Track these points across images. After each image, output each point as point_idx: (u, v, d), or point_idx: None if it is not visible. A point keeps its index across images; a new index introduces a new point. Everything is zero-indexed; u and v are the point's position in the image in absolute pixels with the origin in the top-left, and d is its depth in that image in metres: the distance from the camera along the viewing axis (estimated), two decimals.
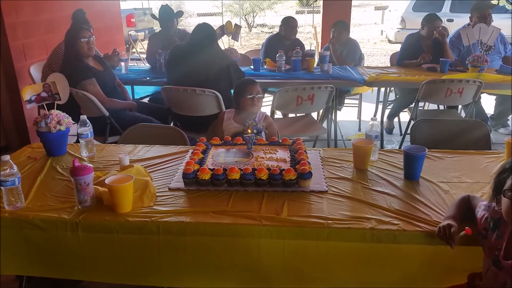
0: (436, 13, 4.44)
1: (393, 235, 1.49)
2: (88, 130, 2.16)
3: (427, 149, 1.86)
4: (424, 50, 4.34)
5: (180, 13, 4.78)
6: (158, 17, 4.59)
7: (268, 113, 3.00)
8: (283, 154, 2.01)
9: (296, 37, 4.76)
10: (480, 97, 3.96)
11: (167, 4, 4.65)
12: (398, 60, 4.52)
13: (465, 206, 1.55)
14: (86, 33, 3.27)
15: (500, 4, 11.20)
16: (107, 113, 3.23)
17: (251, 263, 1.59)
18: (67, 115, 2.21)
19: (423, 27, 4.37)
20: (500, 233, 1.31)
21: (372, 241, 1.49)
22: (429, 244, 1.49)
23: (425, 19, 4.36)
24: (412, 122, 3.34)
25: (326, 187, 1.79)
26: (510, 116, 4.73)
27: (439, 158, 2.12)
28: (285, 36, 4.63)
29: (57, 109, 2.22)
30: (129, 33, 9.20)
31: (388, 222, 1.53)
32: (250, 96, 2.46)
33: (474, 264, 1.44)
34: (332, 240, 1.50)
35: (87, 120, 2.16)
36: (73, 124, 2.26)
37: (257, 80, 2.62)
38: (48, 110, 2.17)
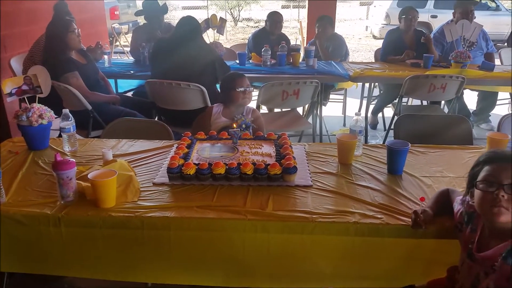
0: (412, 6, 4.48)
1: (376, 228, 1.51)
2: (70, 124, 2.13)
3: (410, 144, 1.88)
4: (407, 45, 4.37)
5: (166, 9, 4.71)
6: (143, 11, 4.52)
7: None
8: (268, 149, 2.01)
9: (282, 32, 4.75)
10: (462, 93, 4.02)
11: None
12: (382, 56, 4.55)
13: (444, 199, 1.58)
14: (74, 26, 3.22)
15: (483, 2, 11.37)
16: (89, 107, 3.19)
17: (236, 257, 1.59)
18: (49, 109, 2.17)
19: (400, 21, 4.42)
20: (474, 226, 1.34)
21: (355, 234, 1.50)
22: (411, 237, 1.52)
23: (401, 12, 4.42)
24: (396, 118, 3.39)
25: (311, 181, 1.80)
26: (492, 111, 4.81)
27: (422, 153, 2.15)
28: (271, 31, 4.62)
29: (39, 102, 2.18)
30: (113, 26, 9.07)
31: (371, 216, 1.55)
32: (241, 89, 2.44)
33: (454, 258, 1.46)
34: (316, 234, 1.52)
35: (70, 114, 2.13)
36: (55, 118, 2.22)
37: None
38: (29, 104, 2.13)
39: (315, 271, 1.60)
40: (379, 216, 1.55)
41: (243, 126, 2.32)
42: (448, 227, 1.49)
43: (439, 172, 1.93)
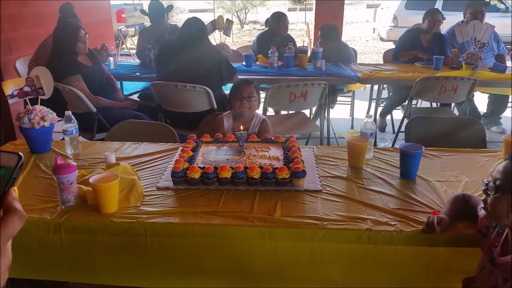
0: (439, 9, 4.45)
1: (390, 236, 1.43)
2: (73, 126, 2.08)
3: (423, 147, 1.81)
4: (424, 45, 4.30)
5: (170, 8, 4.69)
6: (148, 12, 4.50)
7: (261, 110, 2.93)
8: (276, 152, 1.95)
9: (288, 33, 4.69)
10: (473, 95, 3.93)
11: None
12: (395, 53, 4.46)
13: (460, 204, 1.52)
14: (82, 33, 3.19)
15: (492, 3, 11.24)
16: (94, 109, 3.14)
17: (243, 265, 1.52)
18: (51, 111, 2.12)
19: (424, 21, 4.35)
20: (501, 230, 1.28)
21: (368, 242, 1.43)
22: (426, 245, 1.45)
23: (427, 13, 4.34)
24: (406, 120, 3.31)
25: (321, 186, 1.73)
26: (502, 114, 4.72)
27: (435, 156, 2.07)
28: (276, 32, 4.55)
29: (43, 104, 2.13)
30: (119, 28, 9.06)
31: (384, 222, 1.48)
32: (240, 97, 2.32)
33: (470, 267, 1.39)
34: (327, 241, 1.45)
35: (72, 116, 2.08)
36: (58, 120, 2.17)
37: (249, 77, 2.54)
38: (32, 105, 2.09)
39: (325, 281, 1.53)
40: (392, 223, 1.47)
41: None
42: (465, 234, 1.42)
43: (454, 177, 1.86)
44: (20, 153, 0.59)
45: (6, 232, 0.54)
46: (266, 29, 4.77)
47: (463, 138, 2.47)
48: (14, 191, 0.58)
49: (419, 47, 4.31)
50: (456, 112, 4.29)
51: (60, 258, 1.56)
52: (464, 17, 4.40)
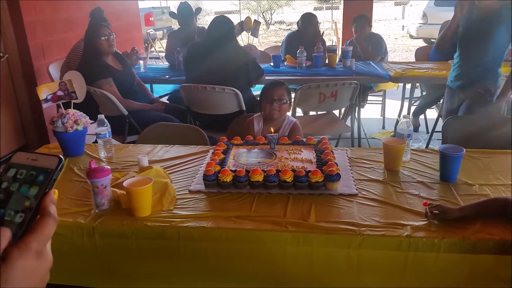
0: None
1: (431, 243, 1.37)
2: (106, 130, 2.09)
3: (464, 149, 1.72)
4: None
5: (199, 10, 4.71)
6: (176, 15, 4.53)
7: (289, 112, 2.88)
8: (308, 154, 1.90)
9: (317, 32, 4.63)
10: None
11: (186, 1, 4.58)
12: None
13: (494, 206, 1.46)
14: (106, 31, 3.22)
15: None
16: (126, 112, 3.18)
17: (276, 271, 1.48)
18: (84, 114, 2.15)
19: None
20: None
21: (409, 249, 1.37)
22: (470, 252, 1.37)
23: None
24: (440, 120, 3.20)
25: (356, 190, 1.67)
26: None
27: (474, 158, 1.98)
28: (304, 32, 4.51)
29: (75, 108, 2.16)
30: (148, 31, 9.19)
31: (425, 228, 1.41)
32: (270, 99, 2.28)
33: None
34: (364, 248, 1.39)
35: (105, 120, 2.09)
36: (91, 123, 2.20)
37: (277, 78, 2.49)
38: (65, 109, 2.11)
39: None
40: (434, 229, 1.41)
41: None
42: (509, 241, 1.34)
43: (496, 179, 1.76)
44: (61, 155, 0.60)
45: (44, 233, 0.54)
46: (294, 29, 4.73)
47: (502, 138, 2.36)
48: (54, 193, 0.59)
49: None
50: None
51: (94, 263, 1.56)
52: None
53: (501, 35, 2.70)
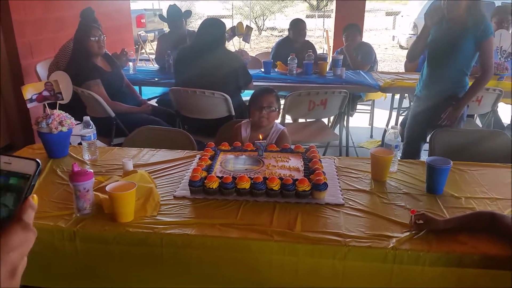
0: None
1: (416, 256, 1.36)
2: (91, 132, 2.05)
3: (451, 162, 1.73)
4: None
5: (188, 13, 4.68)
6: (165, 17, 4.50)
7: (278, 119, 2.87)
8: (296, 162, 1.89)
9: (307, 40, 4.64)
10: (497, 106, 3.81)
11: (174, 4, 4.56)
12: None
13: (480, 220, 1.46)
14: (97, 32, 3.19)
15: None
16: (113, 114, 3.13)
17: (262, 280, 1.46)
18: (69, 116, 2.11)
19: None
20: None
21: (394, 262, 1.36)
22: (455, 266, 1.37)
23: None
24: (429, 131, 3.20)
25: (343, 200, 1.67)
26: None
27: (461, 170, 1.98)
28: (294, 39, 4.52)
29: (61, 108, 2.12)
30: (139, 33, 9.14)
31: (411, 241, 1.40)
32: (259, 106, 2.25)
33: None
34: (350, 259, 1.38)
35: (91, 122, 2.06)
36: (77, 124, 2.16)
37: (267, 84, 2.48)
38: (50, 110, 2.07)
39: None
40: (419, 241, 1.40)
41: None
42: (495, 256, 1.35)
43: (482, 193, 1.77)
44: (38, 159, 0.58)
45: (7, 243, 0.53)
46: (285, 36, 4.74)
47: (489, 151, 2.38)
48: (33, 199, 0.58)
49: None
50: (478, 123, 4.17)
51: (74, 267, 1.52)
52: None
53: (468, 45, 2.73)
